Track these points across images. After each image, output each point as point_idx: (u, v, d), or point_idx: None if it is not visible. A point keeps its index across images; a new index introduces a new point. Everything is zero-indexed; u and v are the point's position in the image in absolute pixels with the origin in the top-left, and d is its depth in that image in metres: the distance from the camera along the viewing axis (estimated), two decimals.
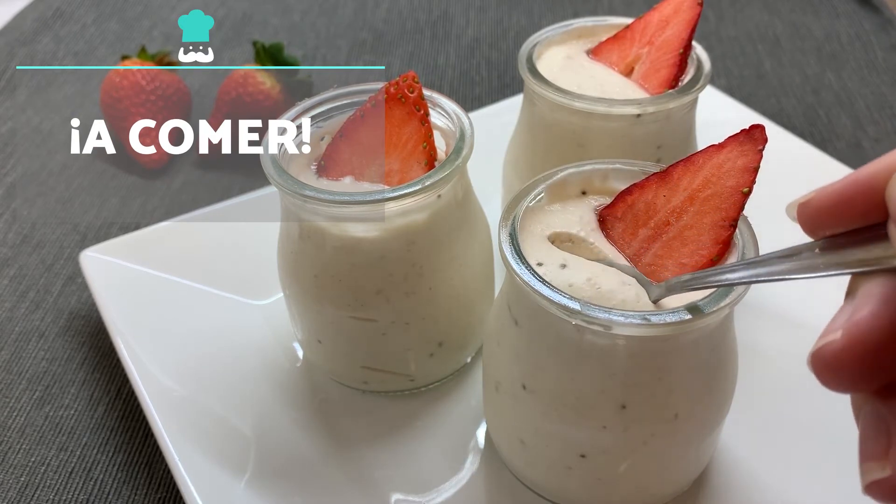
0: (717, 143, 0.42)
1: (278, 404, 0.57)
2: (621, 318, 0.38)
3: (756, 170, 0.41)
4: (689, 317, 0.38)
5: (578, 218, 0.47)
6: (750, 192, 0.41)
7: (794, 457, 0.53)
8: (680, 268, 0.43)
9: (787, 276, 0.33)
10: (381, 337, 0.54)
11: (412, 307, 0.53)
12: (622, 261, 0.45)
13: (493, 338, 0.48)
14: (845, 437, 0.52)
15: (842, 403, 0.32)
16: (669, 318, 0.38)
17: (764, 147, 0.41)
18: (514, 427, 0.49)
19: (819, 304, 0.60)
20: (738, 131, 0.42)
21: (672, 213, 0.43)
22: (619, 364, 0.42)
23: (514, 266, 0.41)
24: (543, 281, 0.40)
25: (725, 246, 0.42)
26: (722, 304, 0.39)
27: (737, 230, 0.42)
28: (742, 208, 0.42)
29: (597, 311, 0.38)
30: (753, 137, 0.41)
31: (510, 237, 0.43)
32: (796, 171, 0.73)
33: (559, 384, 0.43)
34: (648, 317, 0.38)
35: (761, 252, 0.42)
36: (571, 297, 0.39)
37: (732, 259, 0.42)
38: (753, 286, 0.39)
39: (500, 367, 0.47)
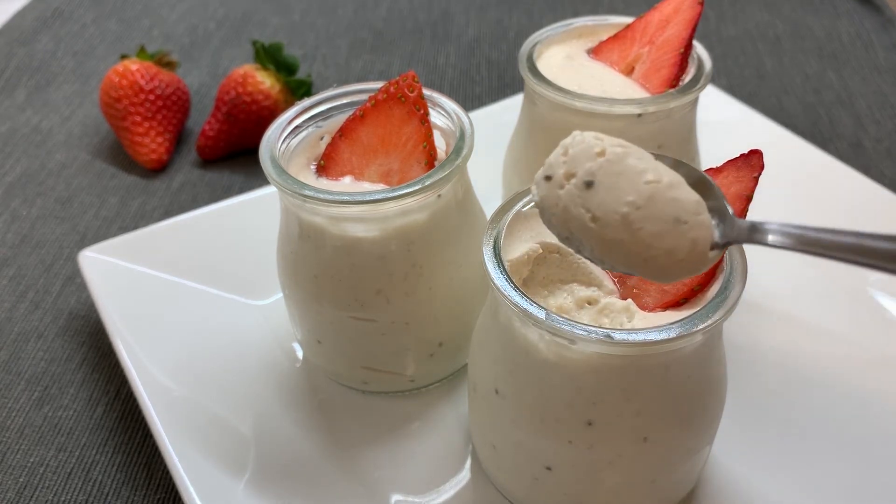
0: (715, 166, 0.42)
1: (278, 404, 0.57)
2: (584, 333, 0.37)
3: (749, 198, 0.40)
4: (654, 338, 0.37)
5: None
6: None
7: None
8: (661, 294, 0.42)
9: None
10: (381, 337, 0.54)
11: (412, 307, 0.52)
12: (607, 281, 0.44)
13: (476, 339, 0.48)
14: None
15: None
16: (633, 338, 0.37)
17: (760, 174, 0.40)
18: (488, 431, 0.48)
19: (828, 309, 0.60)
20: (738, 156, 0.41)
21: None
22: (585, 379, 0.41)
23: (490, 268, 0.41)
24: (516, 287, 0.40)
25: (708, 276, 0.41)
26: (692, 331, 0.38)
27: (726, 258, 0.41)
28: None
29: (561, 323, 0.38)
30: (751, 163, 0.40)
31: (493, 239, 0.43)
32: (797, 170, 0.73)
33: (528, 393, 0.43)
34: (612, 334, 0.37)
35: (753, 275, 0.40)
36: (538, 306, 0.39)
37: (715, 288, 0.41)
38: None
39: (479, 369, 0.47)
